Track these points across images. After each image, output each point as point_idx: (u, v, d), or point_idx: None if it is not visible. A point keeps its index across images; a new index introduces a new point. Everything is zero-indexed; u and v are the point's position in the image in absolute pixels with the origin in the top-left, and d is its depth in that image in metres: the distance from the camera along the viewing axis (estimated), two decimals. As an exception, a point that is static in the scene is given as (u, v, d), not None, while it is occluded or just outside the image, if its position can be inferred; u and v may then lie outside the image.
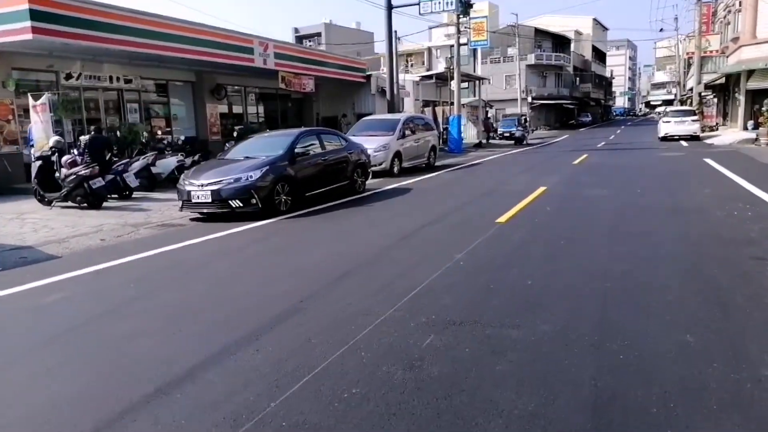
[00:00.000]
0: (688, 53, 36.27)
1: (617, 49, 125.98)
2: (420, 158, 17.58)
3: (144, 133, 14.76)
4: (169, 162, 13.13)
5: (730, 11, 31.42)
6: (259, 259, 6.51)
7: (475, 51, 54.38)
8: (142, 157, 12.66)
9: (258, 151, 10.23)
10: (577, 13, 63.20)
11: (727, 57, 31.24)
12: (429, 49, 56.65)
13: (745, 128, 26.89)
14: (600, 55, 74.44)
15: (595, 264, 5.46)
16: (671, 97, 72.30)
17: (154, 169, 12.74)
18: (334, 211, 9.80)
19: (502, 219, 8.01)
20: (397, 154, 15.99)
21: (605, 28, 76.08)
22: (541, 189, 11.04)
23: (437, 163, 19.48)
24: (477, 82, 38.54)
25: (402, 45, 57.56)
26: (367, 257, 6.11)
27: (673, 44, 63.08)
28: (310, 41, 64.22)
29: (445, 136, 27.94)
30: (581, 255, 5.85)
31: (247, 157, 10.03)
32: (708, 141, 25.31)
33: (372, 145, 15.52)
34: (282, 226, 8.54)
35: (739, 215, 7.61)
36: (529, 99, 51.37)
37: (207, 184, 9.09)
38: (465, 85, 46.49)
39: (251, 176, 9.08)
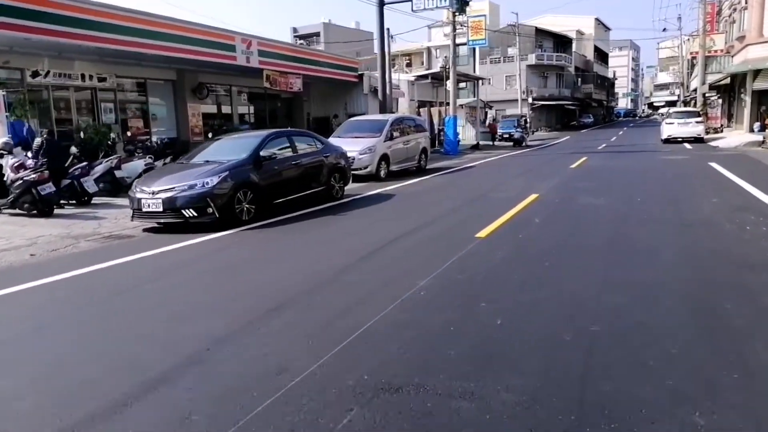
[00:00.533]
0: (691, 53, 35.26)
1: (620, 50, 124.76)
2: (410, 161, 16.64)
3: (112, 134, 13.81)
4: (136, 165, 12.21)
5: (735, 9, 30.38)
6: (193, 284, 5.57)
7: (474, 50, 53.53)
8: (106, 160, 11.74)
9: (222, 155, 9.29)
10: (579, 12, 62.14)
11: (733, 57, 30.20)
12: (428, 49, 55.71)
13: (751, 130, 25.85)
14: (602, 56, 73.35)
15: (583, 295, 4.50)
16: (674, 98, 71.16)
17: (118, 173, 11.82)
18: (302, 221, 8.86)
19: (483, 233, 7.05)
20: (384, 157, 15.05)
21: (607, 28, 74.97)
22: (533, 196, 10.08)
23: (430, 166, 18.55)
24: (476, 82, 37.54)
25: (401, 45, 56.59)
26: (316, 282, 5.17)
27: (677, 45, 61.98)
28: (308, 41, 63.45)
29: (441, 138, 26.97)
30: (567, 282, 4.89)
31: (207, 162, 9.10)
32: (712, 143, 24.29)
33: (357, 147, 14.60)
34: (238, 240, 7.60)
35: (753, 230, 6.63)
36: (530, 100, 50.39)
37: (158, 192, 8.16)
38: (463, 85, 45.58)
39: (207, 183, 8.15)
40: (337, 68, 23.20)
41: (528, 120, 46.36)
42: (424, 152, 17.57)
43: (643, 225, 7.27)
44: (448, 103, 26.72)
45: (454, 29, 26.22)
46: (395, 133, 15.73)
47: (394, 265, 5.72)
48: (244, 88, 21.52)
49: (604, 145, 27.42)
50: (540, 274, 5.16)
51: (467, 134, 42.22)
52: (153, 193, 8.18)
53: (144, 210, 8.24)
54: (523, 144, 32.17)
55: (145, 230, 8.56)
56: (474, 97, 37.80)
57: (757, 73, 25.23)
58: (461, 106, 41.87)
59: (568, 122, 58.12)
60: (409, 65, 56.30)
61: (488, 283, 4.94)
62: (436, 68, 41.18)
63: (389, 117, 16.31)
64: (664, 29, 60.16)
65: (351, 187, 13.17)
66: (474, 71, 54.14)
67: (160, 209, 8.09)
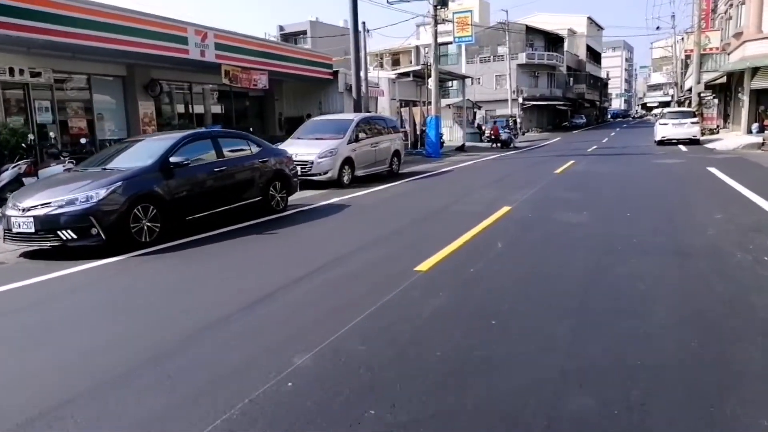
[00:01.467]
0: (686, 51, 33.80)
1: (613, 51, 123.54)
2: (380, 165, 15.03)
3: (30, 135, 12.12)
4: (54, 171, 10.54)
5: (732, 5, 28.88)
6: (7, 347, 3.92)
7: (462, 49, 51.98)
8: (12, 165, 10.07)
9: (126, 161, 7.65)
10: (571, 11, 60.61)
11: (729, 54, 28.72)
12: (417, 48, 54.09)
13: (749, 131, 24.37)
14: (595, 55, 71.91)
15: (537, 389, 2.88)
16: (668, 98, 69.82)
17: (28, 181, 10.15)
18: (218, 241, 7.21)
19: (427, 264, 5.44)
20: (348, 161, 13.43)
21: (600, 28, 73.53)
22: (504, 210, 8.48)
23: (405, 170, 17.00)
24: (462, 81, 35.96)
25: (388, 43, 54.87)
26: (164, 349, 3.54)
27: (671, 44, 60.60)
28: (295, 39, 61.87)
29: (433, 139, 25.30)
30: (515, 362, 3.26)
31: (105, 169, 7.45)
32: (709, 145, 22.76)
33: (316, 150, 12.99)
34: (113, 272, 5.94)
35: (774, 264, 5.05)
36: (520, 100, 48.85)
37: (30, 208, 6.50)
38: (452, 84, 44.04)
39: (92, 196, 6.49)
40: (308, 64, 21.53)
41: (517, 120, 44.84)
42: (396, 155, 15.97)
43: (631, 255, 5.65)
44: (430, 103, 25.09)
45: (436, 24, 24.63)
46: (361, 135, 14.10)
47: (278, 325, 4.07)
48: (207, 86, 19.85)
49: (594, 147, 25.87)
50: (479, 343, 3.53)
51: (455, 135, 40.79)
52: (24, 210, 6.52)
53: (14, 230, 6.59)
54: (511, 146, 30.64)
55: (23, 255, 6.90)
56: (463, 96, 36.18)
57: (755, 71, 23.74)
58: (448, 106, 40.42)
59: (560, 123, 56.63)
60: (396, 64, 54.66)
61: (400, 361, 3.31)
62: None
63: (355, 117, 14.67)
64: (658, 27, 58.87)
65: (305, 195, 11.57)
66: (462, 70, 52.69)
67: (32, 230, 6.43)
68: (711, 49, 30.70)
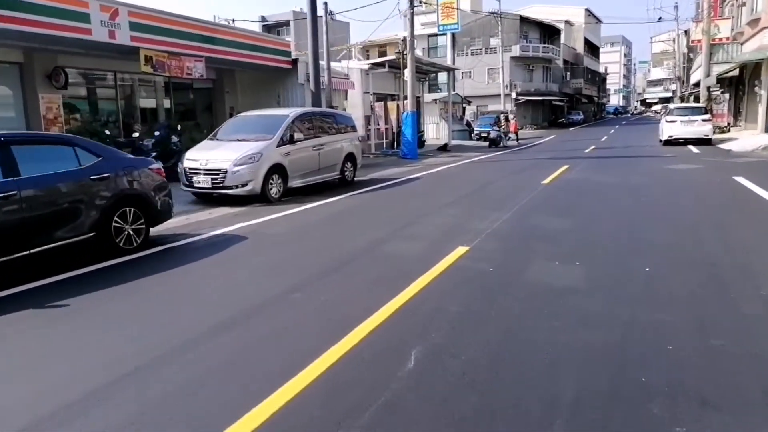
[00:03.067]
0: (693, 41, 30.86)
1: (612, 46, 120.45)
2: (327, 172, 12.06)
3: None
4: None
5: (745, -11, 25.87)
6: None
7: (453, 40, 48.92)
8: None
9: None
10: (568, 2, 57.55)
11: (742, 44, 25.75)
12: (404, 40, 50.91)
13: (767, 130, 21.44)
14: (593, 49, 68.82)
15: None
16: (668, 94, 66.92)
17: None
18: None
19: (258, 416, 2.47)
20: (277, 169, 10.44)
21: (599, 20, 70.35)
22: (455, 254, 5.52)
23: (366, 176, 14.16)
24: (449, 73, 32.93)
25: (376, 34, 51.64)
26: None
27: (672, 37, 57.61)
28: (278, 31, 58.77)
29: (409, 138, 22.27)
30: None
31: None
32: (723, 146, 19.81)
33: (232, 155, 10.00)
34: None
35: None
36: (513, 95, 45.84)
37: None
38: (435, 76, 41.00)
39: None
40: (260, 51, 18.45)
41: (509, 117, 41.83)
42: (350, 159, 13.00)
43: (669, 395, 2.70)
44: (405, 97, 22.08)
45: (412, 5, 21.58)
46: (298, 135, 11.09)
47: None
48: (135, 75, 16.77)
49: (592, 147, 22.88)
50: None
51: (442, 133, 37.81)
52: None
53: None
54: (501, 144, 27.68)
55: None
56: (452, 90, 33.15)
57: (775, 61, 20.80)
58: (434, 101, 37.44)
59: (556, 119, 53.59)
60: (383, 57, 51.54)
61: None
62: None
63: (291, 112, 11.62)
64: (660, 18, 55.76)
65: (208, 216, 8.61)
66: (448, 62, 49.64)
67: None
68: (721, 39, 27.70)
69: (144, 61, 14.02)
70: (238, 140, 10.72)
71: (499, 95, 43.93)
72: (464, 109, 41.14)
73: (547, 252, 5.59)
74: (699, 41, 28.58)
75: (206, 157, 10.15)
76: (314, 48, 17.22)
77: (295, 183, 11.00)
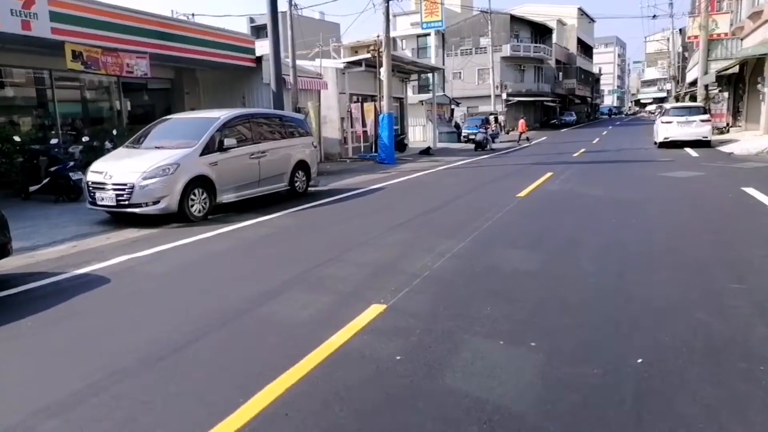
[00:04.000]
0: (690, 38, 29.13)
1: (606, 47, 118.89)
2: (270, 183, 10.26)
3: None
4: None
5: (745, -18, 24.12)
6: None
7: (443, 40, 47.18)
8: None
9: None
10: (560, 2, 55.78)
11: (743, 39, 24.01)
12: (393, 40, 49.16)
13: (772, 131, 19.69)
14: (586, 49, 67.07)
15: None
16: (663, 94, 65.23)
17: None
18: None
19: None
20: (201, 182, 8.63)
21: (592, 20, 68.70)
22: (364, 318, 3.73)
23: (327, 186, 12.45)
24: (433, 74, 31.14)
25: (360, 35, 49.62)
26: None
27: (667, 36, 55.92)
28: (265, 32, 56.91)
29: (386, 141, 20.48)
30: None
31: None
32: (723, 148, 18.06)
33: (142, 166, 8.20)
34: None
35: None
36: (504, 96, 44.09)
37: None
38: (419, 77, 39.26)
39: None
40: (219, 48, 16.65)
41: (499, 118, 40.11)
42: (302, 168, 11.19)
43: None
44: (383, 98, 20.28)
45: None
46: (230, 141, 9.26)
47: None
48: (81, 75, 14.92)
49: (582, 150, 21.12)
50: None
51: (429, 135, 36.10)
52: None
53: None
54: (487, 147, 25.90)
55: None
56: (441, 92, 31.38)
57: (779, 57, 19.06)
58: (421, 102, 35.64)
59: (548, 120, 51.83)
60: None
61: None
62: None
63: (224, 114, 9.79)
64: (654, 16, 53.98)
65: (98, 245, 6.82)
66: (443, 63, 47.87)
67: None
68: (719, 35, 25.96)
69: (71, 56, 12.21)
70: (157, 148, 8.92)
71: (490, 96, 42.19)
72: (453, 110, 39.37)
73: (492, 318, 3.77)
74: (696, 37, 26.82)
75: (112, 169, 8.34)
76: (274, 42, 15.47)
77: (226, 198, 9.20)
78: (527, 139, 30.88)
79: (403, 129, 29.19)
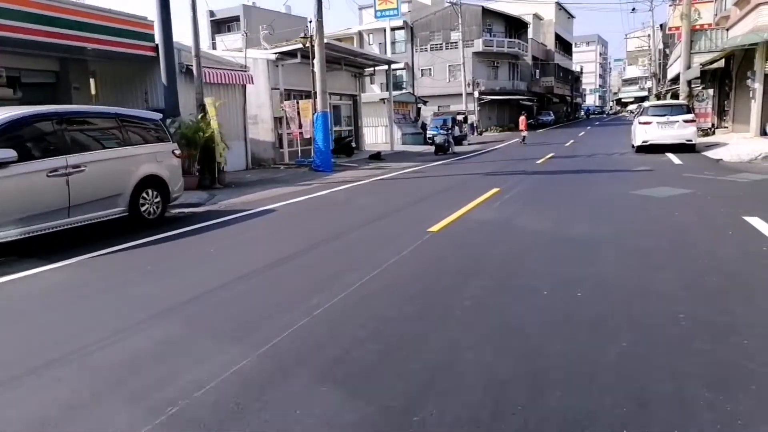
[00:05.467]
0: (670, 29, 26.65)
1: (587, 45, 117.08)
2: (94, 210, 7.25)
3: None
4: None
5: (731, -34, 21.55)
6: None
7: (412, 34, 44.38)
8: None
9: None
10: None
11: (728, 30, 21.49)
12: (360, 34, 46.27)
13: (763, 132, 17.13)
14: (565, 46, 64.63)
15: None
16: (644, 93, 63.11)
17: None
18: None
19: None
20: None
21: (571, 15, 66.34)
22: None
23: (218, 204, 9.58)
24: (389, 68, 28.27)
25: (326, 30, 46.75)
26: None
27: (648, 33, 53.77)
28: (228, 26, 53.92)
29: (320, 146, 17.54)
30: None
31: None
32: (709, 153, 15.43)
33: None
34: None
35: None
36: (476, 94, 41.38)
37: None
38: (398, 75, 36.37)
39: None
40: (106, 33, 13.55)
41: (469, 118, 37.38)
42: (154, 185, 8.23)
43: None
44: (317, 93, 17.33)
45: (318, -22, 16.85)
46: (6, 154, 6.29)
47: None
48: None
49: (550, 155, 18.38)
50: None
51: (393, 136, 33.29)
52: None
53: None
54: (449, 151, 23.15)
55: None
56: (388, 87, 28.53)
57: (773, 47, 16.51)
58: (382, 100, 32.74)
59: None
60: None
61: None
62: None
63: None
64: (633, 9, 51.58)
65: None
66: (412, 59, 45.05)
67: None
68: (702, 26, 23.44)
69: None
70: None
71: (461, 94, 39.43)
72: (419, 109, 36.54)
73: None
74: (677, 28, 24.27)
75: None
76: (163, 22, 12.52)
77: (9, 233, 6.23)
78: (523, 139, 28.49)
79: (357, 130, 26.30)
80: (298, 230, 7.43)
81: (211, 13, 53.70)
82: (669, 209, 7.49)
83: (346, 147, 21.58)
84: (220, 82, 16.26)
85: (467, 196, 9.23)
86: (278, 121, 19.54)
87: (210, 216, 8.87)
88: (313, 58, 17.08)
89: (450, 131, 24.90)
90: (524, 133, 29.01)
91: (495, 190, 10.00)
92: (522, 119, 29.84)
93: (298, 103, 18.67)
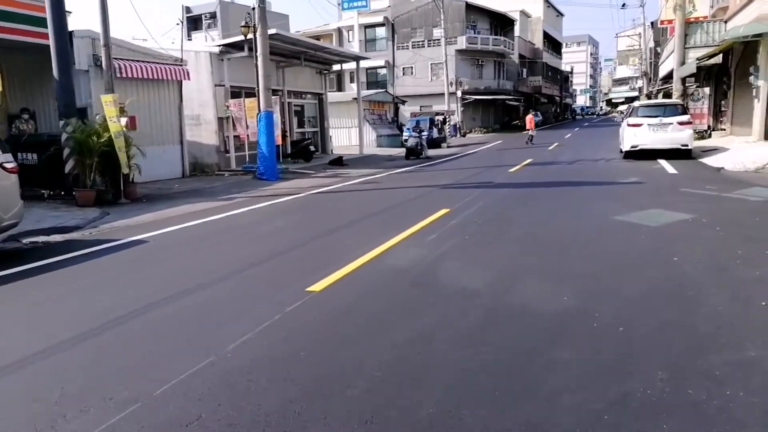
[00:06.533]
0: (663, 22, 24.59)
1: (578, 45, 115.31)
2: None
3: None
4: None
5: (729, -48, 19.50)
6: None
7: (393, 31, 42.21)
8: None
9: None
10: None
11: (726, 22, 19.43)
12: (339, 30, 44.01)
13: (769, 137, 15.07)
14: (554, 45, 62.57)
15: None
16: (635, 93, 61.23)
17: None
18: None
19: None
20: None
21: (560, 14, 64.34)
22: None
23: (115, 223, 7.72)
24: (357, 65, 26.08)
25: (304, 26, 44.05)
26: None
27: (638, 31, 51.87)
28: (205, 23, 51.48)
29: (264, 150, 15.28)
30: None
31: None
32: (708, 161, 13.36)
33: None
34: None
35: None
36: (459, 93, 39.23)
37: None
38: (378, 73, 34.31)
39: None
40: (-8, 17, 11.33)
41: (448, 119, 35.24)
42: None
43: None
44: (260, 90, 15.05)
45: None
46: None
47: None
48: None
49: (527, 161, 16.22)
50: None
51: (367, 138, 31.14)
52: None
53: None
54: (423, 155, 20.98)
55: None
56: (357, 85, 26.33)
57: (779, 39, 14.43)
58: (355, 99, 30.49)
59: (510, 121, 47.12)
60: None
61: None
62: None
63: None
64: (624, 5, 49.56)
65: None
66: (393, 57, 42.79)
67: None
68: (696, 18, 21.38)
69: None
70: None
71: (444, 94, 37.24)
72: (397, 109, 34.35)
73: None
74: (670, 21, 22.19)
75: None
76: (53, 2, 10.27)
77: None
78: (531, 138, 26.38)
79: (322, 132, 24.06)
80: (140, 281, 5.19)
81: (188, 9, 51.26)
82: (666, 249, 5.30)
83: (304, 151, 19.36)
84: (146, 77, 13.99)
85: (405, 221, 7.03)
86: (224, 122, 17.29)
87: (61, 249, 6.65)
88: (255, 51, 14.83)
89: (423, 133, 22.70)
90: (532, 132, 26.80)
91: (444, 211, 7.81)
92: (529, 118, 27.66)
93: (244, 102, 16.42)
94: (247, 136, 16.64)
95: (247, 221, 8.19)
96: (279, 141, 17.45)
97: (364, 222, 7.68)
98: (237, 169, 17.02)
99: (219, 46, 16.90)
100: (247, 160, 17.74)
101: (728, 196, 8.32)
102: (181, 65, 15.32)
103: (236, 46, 16.85)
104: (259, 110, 15.13)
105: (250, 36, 15.39)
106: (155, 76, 14.33)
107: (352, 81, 48.11)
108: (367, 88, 42.95)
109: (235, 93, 17.31)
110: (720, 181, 10.22)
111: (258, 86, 14.93)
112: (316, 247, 6.19)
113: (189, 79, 15.49)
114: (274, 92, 20.34)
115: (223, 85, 17.02)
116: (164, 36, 18.45)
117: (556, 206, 8.24)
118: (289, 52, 19.30)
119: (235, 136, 17.39)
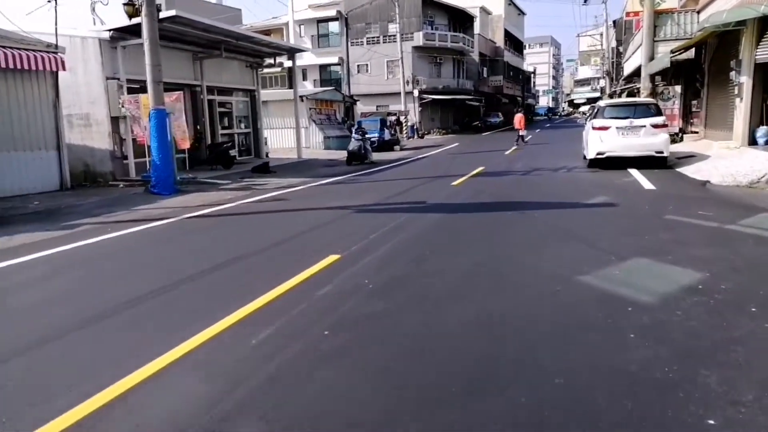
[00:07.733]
0: (629, 14, 22.53)
1: (541, 46, 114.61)
2: None
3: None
4: None
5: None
6: None
7: (347, 26, 39.41)
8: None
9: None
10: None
11: (699, 12, 17.33)
12: (289, 25, 40.91)
13: (753, 142, 12.91)
14: (516, 44, 60.72)
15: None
16: (597, 94, 59.94)
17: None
18: None
19: None
20: None
21: (522, 12, 62.58)
22: None
23: None
24: (294, 58, 23.22)
25: (253, 19, 40.68)
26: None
27: (600, 30, 50.44)
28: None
29: (156, 159, 12.38)
30: None
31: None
32: (687, 171, 11.09)
33: None
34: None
35: None
36: (416, 92, 36.73)
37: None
38: (331, 71, 31.50)
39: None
40: None
41: (402, 120, 32.71)
42: None
43: None
44: (148, 84, 12.10)
45: None
46: None
47: None
48: None
49: (478, 169, 13.70)
50: None
51: (312, 140, 28.33)
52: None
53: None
54: (367, 160, 18.38)
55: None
56: (293, 81, 23.43)
57: (764, 28, 12.25)
58: (301, 98, 27.61)
59: (470, 122, 44.88)
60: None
61: None
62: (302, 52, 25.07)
63: None
64: (585, 1, 47.97)
65: None
66: (347, 53, 40.02)
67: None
68: (665, 9, 19.29)
69: None
70: None
71: (400, 93, 34.69)
72: (347, 109, 31.63)
73: None
74: (636, 14, 20.07)
75: None
76: None
77: None
78: (522, 138, 23.77)
79: (255, 133, 21.13)
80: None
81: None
82: (684, 375, 2.72)
83: (222, 156, 16.44)
84: (3, 66, 10.90)
85: (255, 284, 4.34)
86: (120, 122, 14.27)
87: None
88: (144, 35, 11.88)
89: (368, 135, 20.08)
90: (522, 132, 24.22)
91: (331, 259, 5.13)
92: (519, 117, 24.83)
93: (139, 98, 13.43)
94: (146, 138, 13.65)
95: (33, 276, 5.32)
96: (185, 145, 14.54)
97: (218, 274, 4.92)
98: (135, 179, 14.03)
99: (110, 30, 13.83)
100: (148, 167, 14.72)
101: (735, 231, 5.89)
102: (56, 52, 12.26)
103: (132, 32, 13.80)
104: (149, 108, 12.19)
105: (139, 19, 12.41)
106: (19, 65, 11.25)
107: (305, 79, 45.17)
108: (321, 86, 40.08)
109: (134, 88, 14.28)
110: (711, 201, 7.84)
111: (147, 78, 11.99)
112: (86, 345, 3.41)
113: (65, 69, 12.43)
114: (191, 87, 17.41)
115: (117, 78, 13.98)
116: (30, 15, 15.11)
117: (497, 250, 5.62)
118: (206, 41, 16.36)
119: (134, 139, 14.37)
